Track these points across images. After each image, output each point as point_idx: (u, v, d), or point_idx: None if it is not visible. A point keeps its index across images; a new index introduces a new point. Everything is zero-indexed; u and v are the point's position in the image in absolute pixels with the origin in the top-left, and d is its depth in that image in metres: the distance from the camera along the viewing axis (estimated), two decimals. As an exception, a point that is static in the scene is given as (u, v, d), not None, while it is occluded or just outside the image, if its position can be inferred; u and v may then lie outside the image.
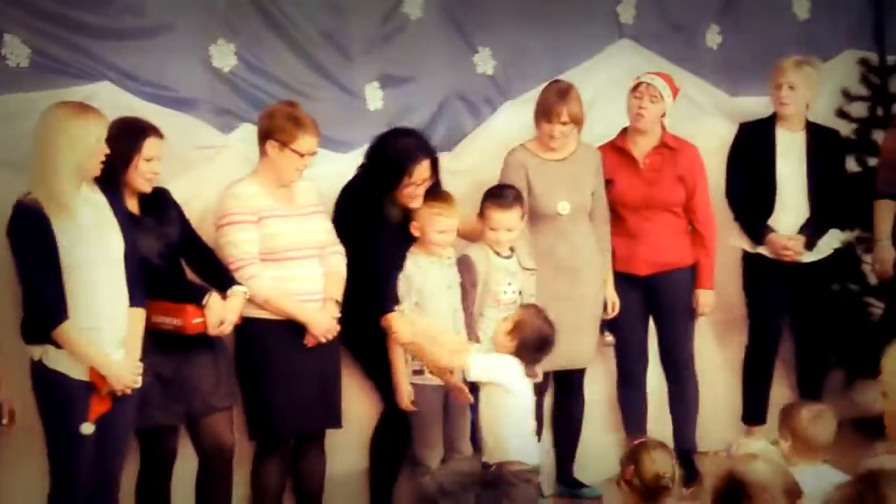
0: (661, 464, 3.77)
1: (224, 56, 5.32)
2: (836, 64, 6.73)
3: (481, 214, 5.34)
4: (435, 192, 5.24)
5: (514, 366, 4.76)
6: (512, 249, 5.40)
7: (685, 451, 5.89)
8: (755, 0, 6.67)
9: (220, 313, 4.69)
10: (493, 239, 5.33)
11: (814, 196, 5.94)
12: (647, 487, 3.76)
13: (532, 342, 4.79)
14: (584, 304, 5.66)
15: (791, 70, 5.89)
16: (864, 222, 6.25)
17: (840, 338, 6.32)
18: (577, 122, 5.55)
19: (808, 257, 5.96)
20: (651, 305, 5.90)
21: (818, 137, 6.01)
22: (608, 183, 5.76)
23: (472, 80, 6.00)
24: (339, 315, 5.04)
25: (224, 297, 4.73)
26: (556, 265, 5.58)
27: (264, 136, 4.97)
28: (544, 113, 5.52)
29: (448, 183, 5.38)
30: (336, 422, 5.18)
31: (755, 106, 6.30)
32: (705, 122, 6.49)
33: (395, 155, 5.14)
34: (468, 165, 5.86)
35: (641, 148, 5.82)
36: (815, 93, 6.01)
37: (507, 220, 5.30)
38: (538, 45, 6.09)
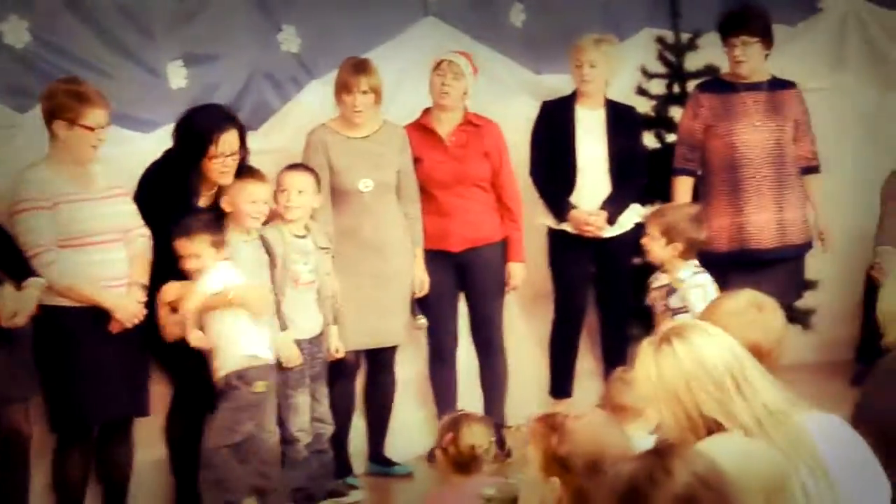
0: (480, 436, 3.87)
1: (17, 33, 5.14)
2: (635, 42, 6.86)
3: (277, 188, 5.32)
4: (244, 168, 5.19)
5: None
6: (307, 229, 5.39)
7: (495, 425, 5.98)
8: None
9: (13, 305, 4.54)
10: (284, 204, 5.32)
11: (614, 172, 6.07)
12: (461, 457, 3.83)
13: None
14: (392, 283, 5.68)
15: (590, 48, 5.99)
16: (664, 198, 6.40)
17: (642, 310, 6.47)
18: (377, 91, 5.56)
19: (610, 232, 6.08)
20: (462, 282, 5.95)
21: (617, 114, 6.13)
22: (416, 161, 5.79)
23: (277, 58, 5.96)
24: (145, 299, 4.94)
25: (19, 287, 4.58)
26: (361, 244, 5.59)
27: (50, 117, 4.82)
28: (344, 86, 5.53)
29: (255, 162, 5.33)
30: (143, 410, 5.08)
31: (559, 83, 6.39)
32: (511, 99, 6.57)
33: (199, 126, 5.08)
34: (275, 145, 5.83)
35: (446, 126, 5.87)
36: (614, 71, 6.13)
37: (298, 181, 5.33)
38: (343, 23, 6.07)
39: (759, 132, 5.94)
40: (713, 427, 2.59)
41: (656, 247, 5.08)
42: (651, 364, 2.72)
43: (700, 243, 5.14)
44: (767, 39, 5.97)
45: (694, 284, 5.00)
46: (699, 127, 6.03)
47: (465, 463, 3.86)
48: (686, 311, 4.87)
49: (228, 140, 5.08)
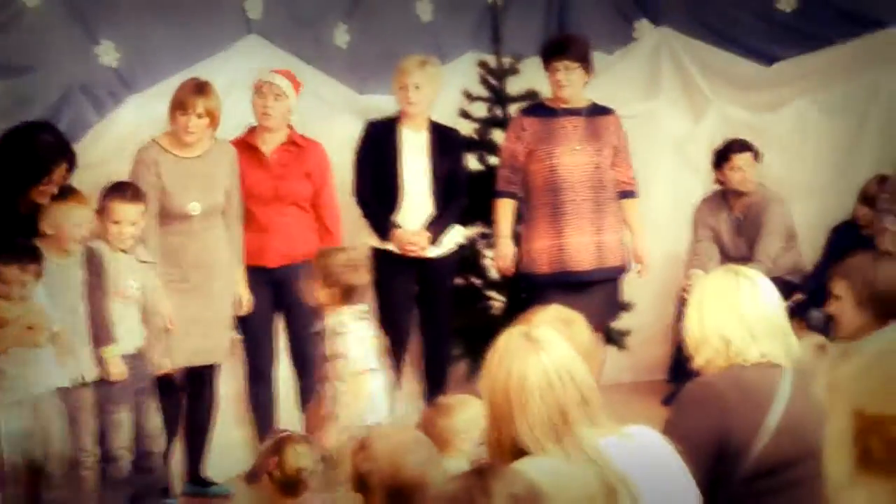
0: (304, 458, 3.80)
1: None
2: (458, 65, 6.97)
3: (101, 210, 5.19)
4: (65, 188, 5.08)
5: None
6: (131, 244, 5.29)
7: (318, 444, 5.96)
8: (382, 1, 6.81)
9: None
10: (115, 232, 5.19)
11: (437, 193, 6.12)
12: (288, 480, 3.78)
13: None
14: (216, 302, 5.61)
15: (414, 70, 6.03)
16: (486, 219, 6.49)
17: (464, 330, 6.54)
18: (213, 117, 5.49)
19: (433, 252, 6.13)
20: (280, 299, 5.91)
21: (440, 136, 6.17)
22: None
23: (94, 71, 5.84)
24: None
25: None
26: (186, 263, 5.51)
27: None
28: (180, 104, 5.43)
29: (73, 177, 5.19)
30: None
31: (383, 104, 6.42)
32: (335, 119, 6.57)
33: (37, 155, 4.94)
34: (93, 159, 5.69)
35: (270, 145, 5.83)
36: (437, 92, 6.19)
37: (130, 213, 5.19)
38: (163, 38, 5.98)
39: (579, 157, 6.06)
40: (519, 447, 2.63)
41: (317, 288, 4.84)
42: (485, 379, 2.74)
43: (360, 289, 4.89)
44: (587, 66, 6.10)
45: (349, 331, 4.77)
46: (521, 150, 6.12)
47: (292, 485, 3.81)
48: (344, 357, 4.71)
49: (62, 169, 4.97)
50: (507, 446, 2.63)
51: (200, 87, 5.47)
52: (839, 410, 1.44)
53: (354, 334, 4.77)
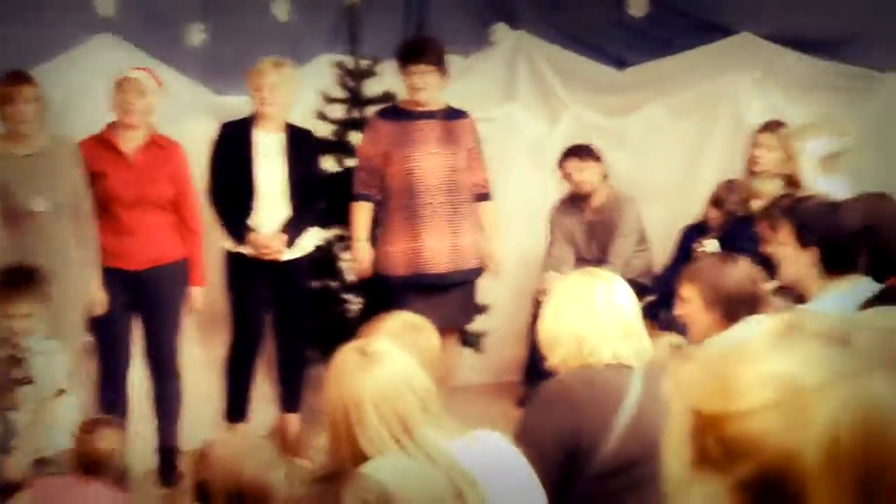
0: (108, 440, 3.91)
1: None
2: (315, 67, 6.93)
3: None
4: None
5: None
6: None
7: (169, 449, 5.87)
8: (238, 0, 6.74)
9: None
10: None
11: (293, 196, 6.07)
12: (88, 457, 3.84)
13: None
14: (67, 304, 5.47)
15: (270, 72, 5.96)
16: (344, 221, 6.47)
17: (320, 334, 6.50)
18: (40, 102, 5.38)
19: (289, 255, 6.08)
20: (139, 301, 5.80)
21: (296, 138, 6.11)
22: (96, 177, 5.61)
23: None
24: None
25: None
26: (36, 263, 5.36)
27: None
28: (6, 98, 5.34)
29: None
30: None
31: (241, 105, 6.35)
32: (191, 120, 6.48)
33: None
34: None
35: (131, 143, 5.72)
36: (293, 94, 6.14)
37: None
38: (12, 34, 5.82)
39: (435, 160, 6.08)
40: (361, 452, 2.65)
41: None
42: (325, 396, 2.76)
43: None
44: (443, 69, 6.13)
45: (38, 351, 4.75)
46: (378, 153, 6.11)
47: (91, 464, 3.83)
48: (30, 382, 4.67)
49: None
50: (350, 455, 2.65)
51: (19, 76, 5.36)
52: (678, 409, 1.48)
53: (43, 355, 4.73)
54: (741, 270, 3.94)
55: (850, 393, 1.37)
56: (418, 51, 6.09)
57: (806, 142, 5.69)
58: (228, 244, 6.08)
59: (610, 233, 6.81)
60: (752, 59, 6.96)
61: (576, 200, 6.93)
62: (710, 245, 6.13)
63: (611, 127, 7.42)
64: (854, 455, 1.36)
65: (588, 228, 6.90)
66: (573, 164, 6.83)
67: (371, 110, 6.50)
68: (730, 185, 6.50)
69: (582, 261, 6.70)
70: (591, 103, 7.52)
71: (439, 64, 6.10)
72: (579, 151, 6.86)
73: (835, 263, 4.03)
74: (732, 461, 1.41)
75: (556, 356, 3.39)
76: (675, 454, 1.47)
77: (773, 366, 1.42)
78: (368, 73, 6.78)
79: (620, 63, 7.46)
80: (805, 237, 4.07)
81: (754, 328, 3.42)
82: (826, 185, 5.42)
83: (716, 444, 1.42)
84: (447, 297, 6.07)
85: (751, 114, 6.80)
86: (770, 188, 6.00)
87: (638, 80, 7.38)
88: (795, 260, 4.10)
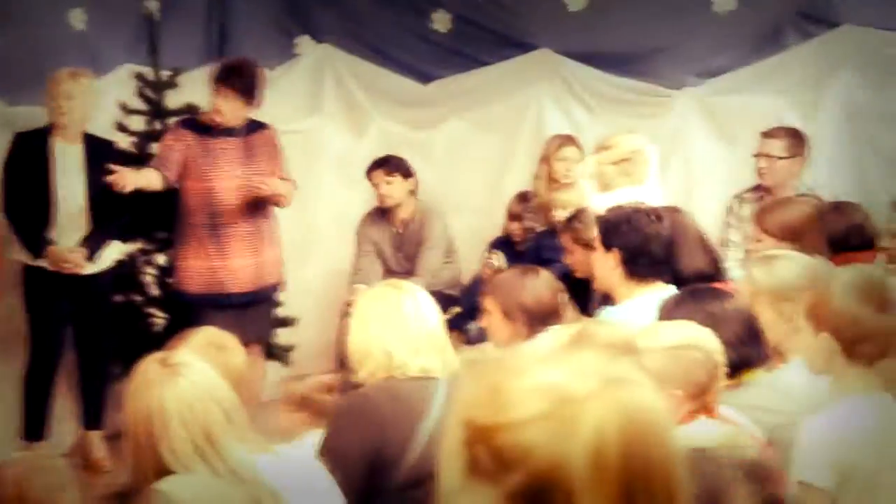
0: None
1: None
2: (114, 77, 6.76)
3: None
4: None
5: None
6: None
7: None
8: (31, 7, 6.52)
9: None
10: None
11: (94, 208, 5.93)
12: None
13: None
14: None
15: (66, 81, 5.83)
16: (147, 234, 6.35)
17: (124, 348, 6.36)
18: None
19: (90, 269, 5.94)
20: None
21: (96, 149, 5.98)
22: None
23: None
24: None
25: None
26: None
27: None
28: None
29: None
30: None
31: (35, 115, 6.17)
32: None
33: None
34: None
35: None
36: (91, 105, 5.99)
37: None
38: None
39: (236, 180, 6.00)
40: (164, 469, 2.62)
41: None
42: (126, 408, 2.72)
43: None
44: (250, 97, 6.03)
45: None
46: (179, 148, 5.99)
47: None
48: None
49: None
50: (151, 469, 2.61)
51: None
52: (453, 420, 1.51)
53: None
54: (540, 283, 4.03)
55: (613, 402, 1.41)
56: (227, 74, 5.98)
57: (605, 155, 5.84)
58: (26, 257, 5.90)
59: (417, 245, 6.85)
60: (551, 75, 7.13)
61: (383, 213, 6.95)
62: (497, 258, 6.24)
63: (416, 140, 7.47)
64: (617, 463, 1.40)
65: (396, 241, 6.93)
66: (379, 177, 6.86)
67: (173, 122, 6.38)
68: (523, 197, 6.64)
69: (390, 273, 6.73)
70: (397, 116, 7.56)
71: (246, 93, 6.01)
72: (386, 164, 6.89)
73: (637, 268, 4.15)
74: (503, 471, 1.43)
75: (365, 369, 3.40)
76: (448, 464, 1.50)
77: (544, 377, 1.45)
78: (170, 85, 6.65)
79: (425, 77, 7.53)
80: (608, 239, 4.19)
81: (550, 339, 3.50)
82: (625, 196, 5.57)
83: (487, 454, 1.45)
84: (246, 313, 6.01)
85: (550, 128, 6.96)
86: (573, 199, 6.14)
87: (442, 94, 7.46)
88: (602, 263, 4.22)
